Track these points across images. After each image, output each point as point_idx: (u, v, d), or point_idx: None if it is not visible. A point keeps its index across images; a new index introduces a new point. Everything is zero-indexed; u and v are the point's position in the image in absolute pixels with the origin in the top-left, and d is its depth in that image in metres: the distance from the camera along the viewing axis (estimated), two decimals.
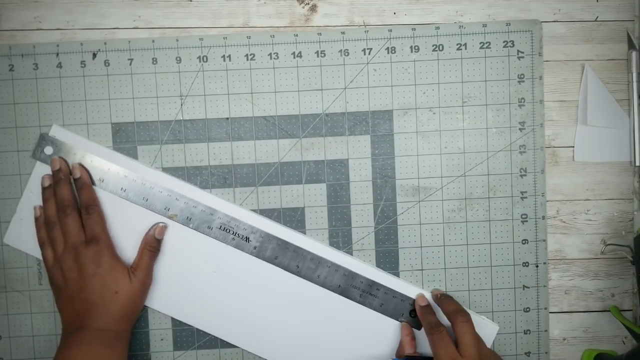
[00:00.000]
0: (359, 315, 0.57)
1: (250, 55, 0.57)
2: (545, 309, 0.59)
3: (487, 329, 0.58)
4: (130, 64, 0.57)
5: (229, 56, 0.57)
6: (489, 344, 0.58)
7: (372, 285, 0.57)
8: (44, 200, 0.56)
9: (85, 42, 0.57)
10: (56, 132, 0.57)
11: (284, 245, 0.57)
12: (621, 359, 0.56)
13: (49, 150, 0.56)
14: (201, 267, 0.57)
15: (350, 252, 0.58)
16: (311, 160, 0.58)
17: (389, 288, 0.57)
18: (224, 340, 0.58)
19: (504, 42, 0.58)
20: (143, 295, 0.56)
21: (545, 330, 0.59)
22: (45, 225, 0.55)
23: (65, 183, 0.55)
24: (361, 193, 0.58)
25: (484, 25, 0.57)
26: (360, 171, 0.58)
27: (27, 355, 0.58)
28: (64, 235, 0.54)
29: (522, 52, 0.58)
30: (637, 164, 0.58)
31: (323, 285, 0.57)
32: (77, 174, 0.55)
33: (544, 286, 0.59)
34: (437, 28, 0.57)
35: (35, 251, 0.57)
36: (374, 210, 0.58)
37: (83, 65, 0.57)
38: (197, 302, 0.57)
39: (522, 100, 0.58)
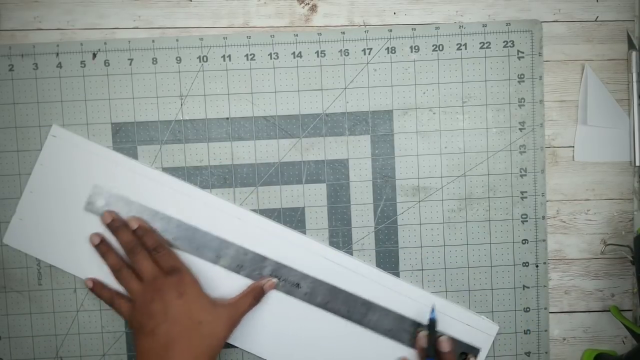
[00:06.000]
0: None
1: (250, 55, 0.57)
2: (545, 309, 0.59)
3: (487, 328, 0.58)
4: (130, 64, 0.57)
5: (229, 56, 0.57)
6: (489, 344, 0.58)
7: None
8: (102, 254, 0.55)
9: (85, 42, 0.57)
10: (56, 132, 0.57)
11: (335, 291, 0.57)
12: (621, 359, 0.56)
13: (100, 201, 0.56)
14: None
15: (350, 252, 0.58)
16: (311, 160, 0.58)
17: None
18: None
19: (504, 42, 0.58)
20: (227, 332, 0.54)
21: (545, 330, 0.59)
22: (112, 272, 0.55)
23: (125, 228, 0.55)
24: (361, 193, 0.58)
25: (484, 25, 0.57)
26: (360, 171, 0.58)
27: (27, 355, 0.58)
28: (140, 272, 0.54)
29: (522, 52, 0.58)
30: (637, 164, 0.58)
31: (374, 329, 0.57)
32: (135, 224, 0.54)
33: (544, 286, 0.59)
34: (437, 28, 0.57)
35: (35, 251, 0.57)
36: (374, 210, 0.58)
37: (83, 65, 0.57)
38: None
39: (522, 100, 0.58)
